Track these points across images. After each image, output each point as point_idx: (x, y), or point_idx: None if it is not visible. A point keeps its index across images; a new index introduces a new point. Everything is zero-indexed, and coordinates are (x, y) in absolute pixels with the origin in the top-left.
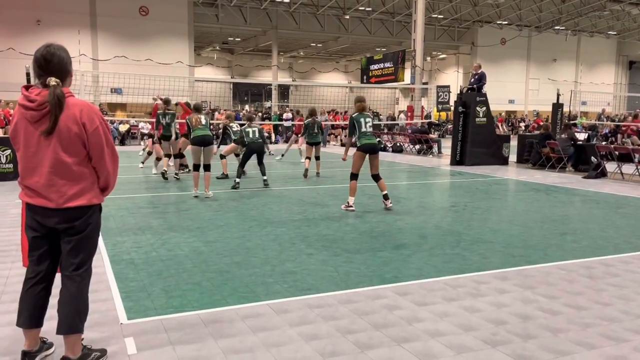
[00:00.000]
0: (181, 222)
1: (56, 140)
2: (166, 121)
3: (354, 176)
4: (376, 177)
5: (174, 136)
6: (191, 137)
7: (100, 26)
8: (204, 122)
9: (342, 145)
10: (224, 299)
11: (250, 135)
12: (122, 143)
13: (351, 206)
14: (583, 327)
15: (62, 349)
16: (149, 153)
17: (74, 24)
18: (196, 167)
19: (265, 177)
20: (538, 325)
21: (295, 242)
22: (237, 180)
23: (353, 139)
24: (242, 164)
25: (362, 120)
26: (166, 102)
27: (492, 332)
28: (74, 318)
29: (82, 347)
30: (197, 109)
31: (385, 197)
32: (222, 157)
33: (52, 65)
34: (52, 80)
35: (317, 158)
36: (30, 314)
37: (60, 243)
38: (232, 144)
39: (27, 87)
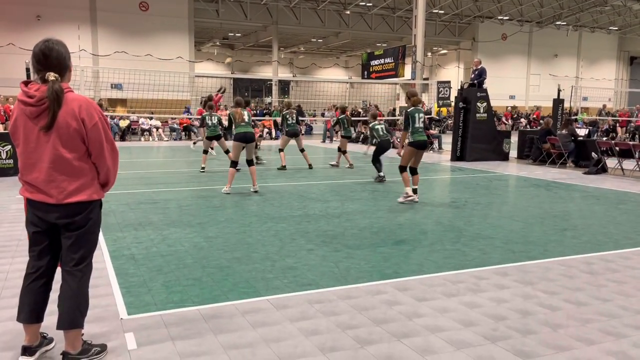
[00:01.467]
0: (182, 217)
1: (55, 136)
2: (212, 122)
3: (403, 168)
4: (414, 171)
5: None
6: (234, 133)
7: (101, 21)
8: (246, 118)
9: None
10: (224, 294)
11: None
12: (122, 139)
13: (410, 196)
14: (582, 323)
15: (62, 344)
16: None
17: (73, 20)
18: (234, 164)
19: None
20: (538, 321)
21: (296, 237)
22: (381, 174)
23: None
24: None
25: (416, 115)
26: (210, 107)
27: (492, 328)
28: (74, 313)
29: (83, 342)
30: (239, 104)
31: (415, 191)
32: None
33: (50, 60)
34: (51, 76)
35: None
36: (31, 309)
37: (60, 238)
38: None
39: (27, 83)
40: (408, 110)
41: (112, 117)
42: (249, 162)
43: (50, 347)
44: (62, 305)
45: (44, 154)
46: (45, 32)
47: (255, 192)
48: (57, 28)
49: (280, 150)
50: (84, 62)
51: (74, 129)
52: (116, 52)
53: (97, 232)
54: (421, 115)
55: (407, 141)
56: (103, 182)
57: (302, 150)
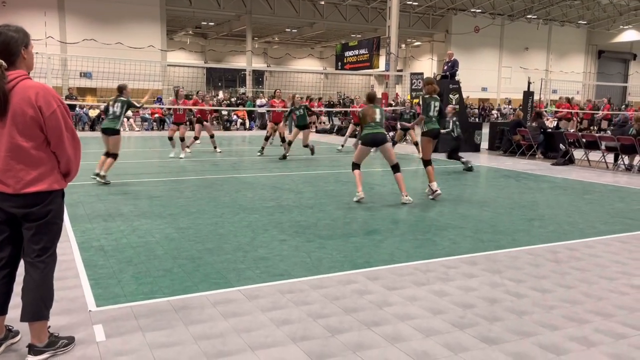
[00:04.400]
0: (153, 208)
1: (11, 123)
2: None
3: (427, 162)
4: (429, 162)
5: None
6: (361, 134)
7: (69, 8)
8: (378, 117)
9: (317, 132)
10: (195, 285)
11: None
12: (92, 129)
13: (436, 190)
14: (547, 310)
15: (28, 337)
16: (196, 138)
17: (40, 6)
18: (357, 166)
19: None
20: (504, 308)
21: (268, 228)
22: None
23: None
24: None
25: (432, 103)
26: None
27: (460, 315)
28: (38, 305)
29: (49, 335)
30: (371, 98)
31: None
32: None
33: None
34: None
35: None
36: None
37: (22, 229)
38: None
39: None
40: (425, 96)
41: (81, 107)
42: (395, 168)
43: (16, 340)
44: (25, 297)
45: (0, 143)
46: (10, 18)
47: (407, 202)
48: (23, 14)
49: (305, 146)
50: (51, 49)
51: (30, 117)
52: (85, 40)
53: (59, 222)
54: (437, 104)
55: (422, 131)
56: (64, 172)
57: (306, 146)
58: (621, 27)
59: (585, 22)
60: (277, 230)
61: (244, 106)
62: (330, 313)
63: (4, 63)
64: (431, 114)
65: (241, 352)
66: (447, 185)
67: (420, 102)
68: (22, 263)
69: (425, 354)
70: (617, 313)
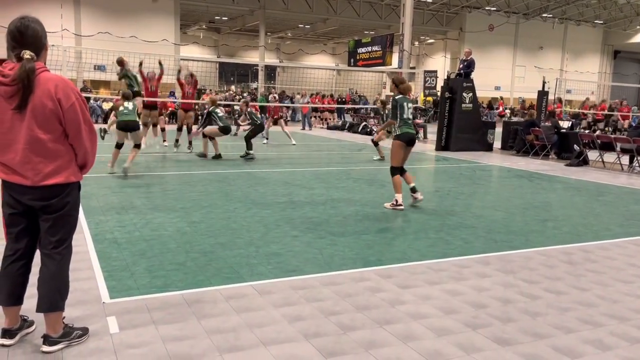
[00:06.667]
0: (165, 202)
1: (30, 116)
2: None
3: (396, 170)
4: (403, 170)
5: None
6: (399, 134)
7: (84, 1)
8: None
9: (329, 128)
10: (207, 279)
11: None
12: (105, 121)
13: (400, 204)
14: (561, 312)
15: (43, 327)
16: (162, 130)
17: None
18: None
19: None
20: (518, 309)
21: (280, 224)
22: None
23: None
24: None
25: (405, 105)
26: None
27: (473, 315)
28: (54, 296)
29: (64, 326)
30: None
31: (414, 189)
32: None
33: (26, 37)
34: (27, 54)
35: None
36: (10, 292)
37: (38, 221)
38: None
39: (1, 62)
40: (397, 97)
41: (95, 99)
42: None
43: (30, 330)
44: (41, 288)
45: (19, 135)
46: (26, 10)
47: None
48: (39, 7)
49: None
50: (67, 42)
51: (49, 110)
52: (100, 33)
53: (75, 214)
54: (410, 105)
55: (393, 135)
56: (81, 164)
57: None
58: (638, 27)
59: (601, 22)
60: (289, 226)
61: (256, 101)
62: (342, 310)
63: (34, 55)
64: (406, 116)
65: (254, 347)
66: (458, 185)
67: (391, 104)
68: (37, 254)
69: (437, 353)
70: (633, 317)
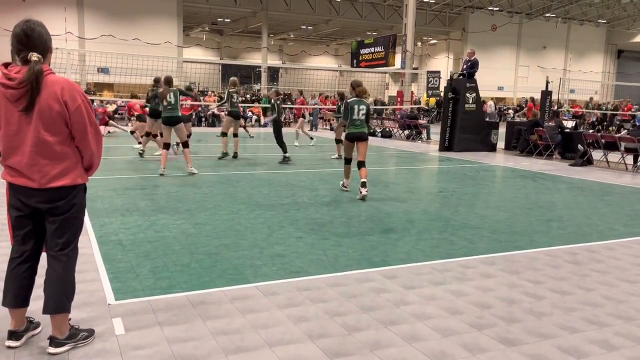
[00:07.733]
0: (169, 203)
1: (37, 118)
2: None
3: (347, 161)
4: (361, 164)
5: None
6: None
7: (87, 4)
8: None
9: (332, 130)
10: (212, 280)
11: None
12: (107, 124)
13: (345, 187)
14: (566, 312)
15: (49, 329)
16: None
17: (60, 1)
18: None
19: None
20: (523, 309)
21: (284, 225)
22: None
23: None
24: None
25: (356, 107)
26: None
27: (478, 316)
28: (60, 298)
29: (70, 327)
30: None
31: (363, 184)
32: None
33: (32, 40)
34: (34, 56)
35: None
36: (16, 294)
37: (44, 223)
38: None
39: (6, 65)
40: (349, 100)
41: (101, 102)
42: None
43: (36, 332)
44: (47, 290)
45: (26, 138)
46: (30, 14)
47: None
48: (43, 10)
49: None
50: (70, 45)
51: (56, 112)
52: (103, 36)
53: (81, 216)
54: (362, 107)
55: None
56: (87, 166)
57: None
58: None
59: (604, 21)
60: (293, 227)
61: (259, 103)
62: (347, 311)
63: (41, 58)
64: (354, 117)
65: (259, 348)
66: (462, 185)
67: (343, 106)
68: (43, 256)
69: (442, 353)
70: (639, 317)
